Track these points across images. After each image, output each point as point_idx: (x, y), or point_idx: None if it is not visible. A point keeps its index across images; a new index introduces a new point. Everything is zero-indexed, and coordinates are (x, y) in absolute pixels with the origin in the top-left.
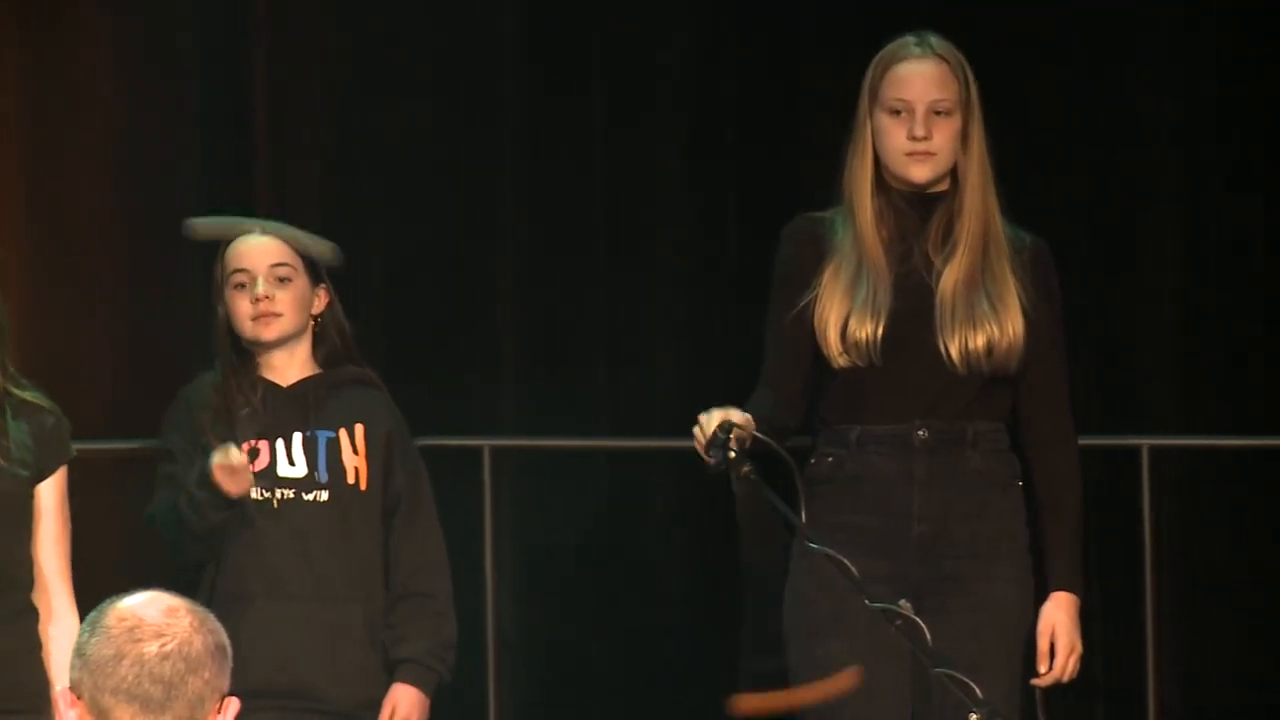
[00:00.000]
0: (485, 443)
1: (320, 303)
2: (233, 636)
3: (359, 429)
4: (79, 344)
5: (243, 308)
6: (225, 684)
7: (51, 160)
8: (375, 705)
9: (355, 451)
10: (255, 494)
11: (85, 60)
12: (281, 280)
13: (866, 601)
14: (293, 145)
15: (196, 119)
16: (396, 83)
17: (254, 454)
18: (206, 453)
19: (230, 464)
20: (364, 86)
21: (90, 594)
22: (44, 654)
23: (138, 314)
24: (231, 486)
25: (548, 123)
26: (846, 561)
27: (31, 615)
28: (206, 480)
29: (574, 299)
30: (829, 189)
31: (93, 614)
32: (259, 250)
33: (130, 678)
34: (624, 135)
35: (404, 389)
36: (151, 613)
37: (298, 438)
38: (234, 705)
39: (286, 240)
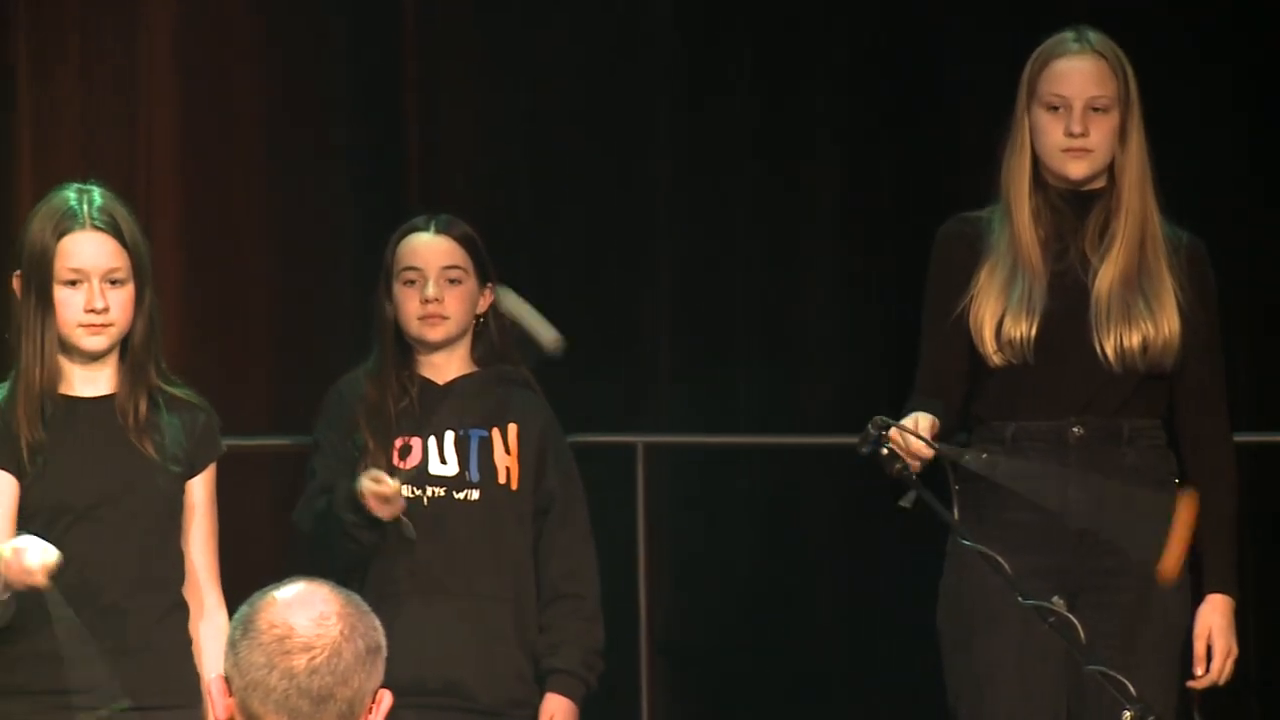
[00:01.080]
0: (639, 439)
1: (485, 302)
2: (386, 634)
3: (512, 429)
4: (235, 341)
5: (411, 305)
6: (378, 681)
7: (205, 156)
8: (522, 705)
9: (507, 451)
10: (406, 491)
11: (237, 52)
12: (452, 282)
13: (1020, 599)
14: (443, 143)
15: (348, 113)
16: (546, 79)
17: (406, 451)
18: (358, 447)
19: (382, 492)
20: (514, 80)
21: (246, 590)
22: (194, 650)
23: (293, 309)
24: (383, 512)
25: (702, 121)
26: (999, 558)
27: (183, 611)
28: (354, 502)
29: (729, 294)
30: (985, 187)
31: (245, 608)
32: (433, 250)
33: (279, 690)
34: (779, 131)
35: (557, 385)
36: (302, 620)
37: (450, 436)
38: (387, 699)
39: (512, 312)
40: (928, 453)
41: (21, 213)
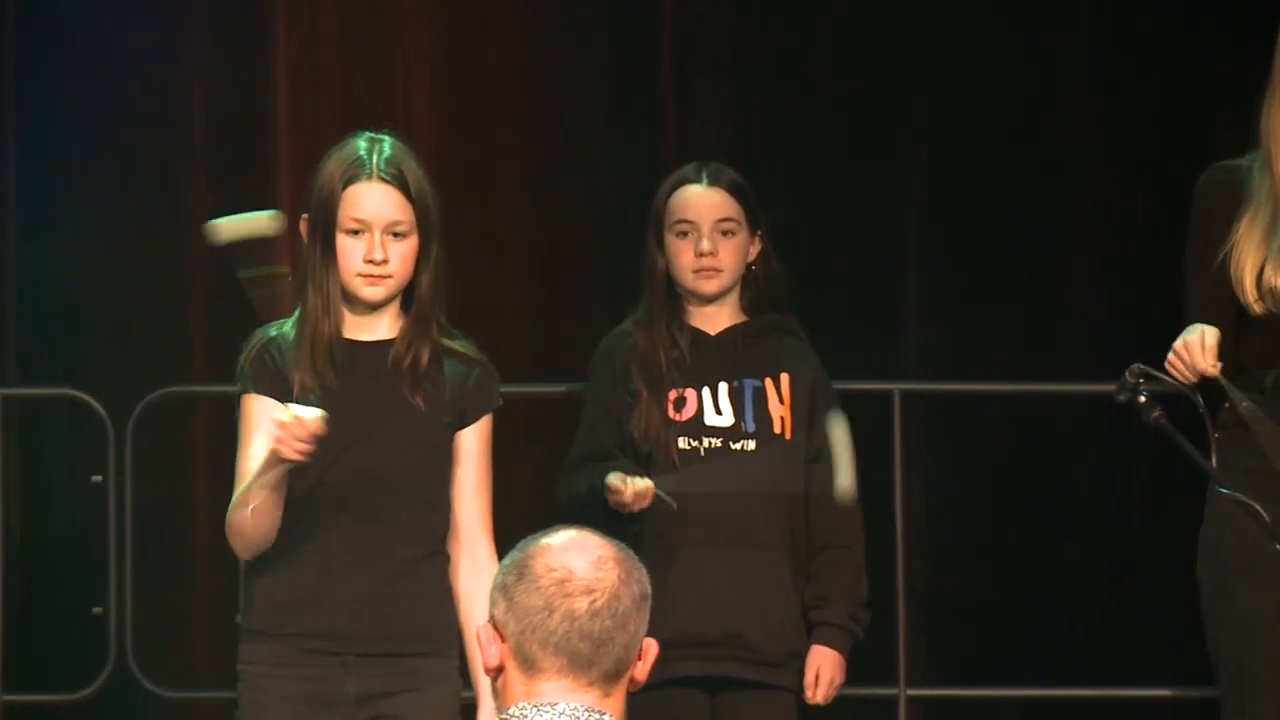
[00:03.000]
0: (895, 387)
1: (755, 250)
2: (661, 585)
3: (784, 378)
4: (499, 291)
5: (684, 258)
6: (645, 628)
7: (464, 119)
8: (799, 655)
9: (781, 400)
10: (683, 443)
11: (498, 21)
12: (725, 234)
13: (1278, 547)
14: (697, 100)
15: (606, 73)
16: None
17: (680, 403)
18: (632, 394)
19: (624, 499)
20: (768, 47)
21: (509, 539)
22: (458, 601)
23: (553, 260)
24: (633, 506)
25: (953, 87)
26: (1258, 507)
27: (443, 560)
28: (600, 495)
29: (981, 239)
30: (1244, 137)
31: (516, 554)
32: (706, 202)
33: (560, 632)
34: (1030, 81)
35: (813, 334)
36: (580, 564)
37: (724, 387)
38: (653, 649)
39: (836, 442)
40: (1212, 370)
41: (280, 156)
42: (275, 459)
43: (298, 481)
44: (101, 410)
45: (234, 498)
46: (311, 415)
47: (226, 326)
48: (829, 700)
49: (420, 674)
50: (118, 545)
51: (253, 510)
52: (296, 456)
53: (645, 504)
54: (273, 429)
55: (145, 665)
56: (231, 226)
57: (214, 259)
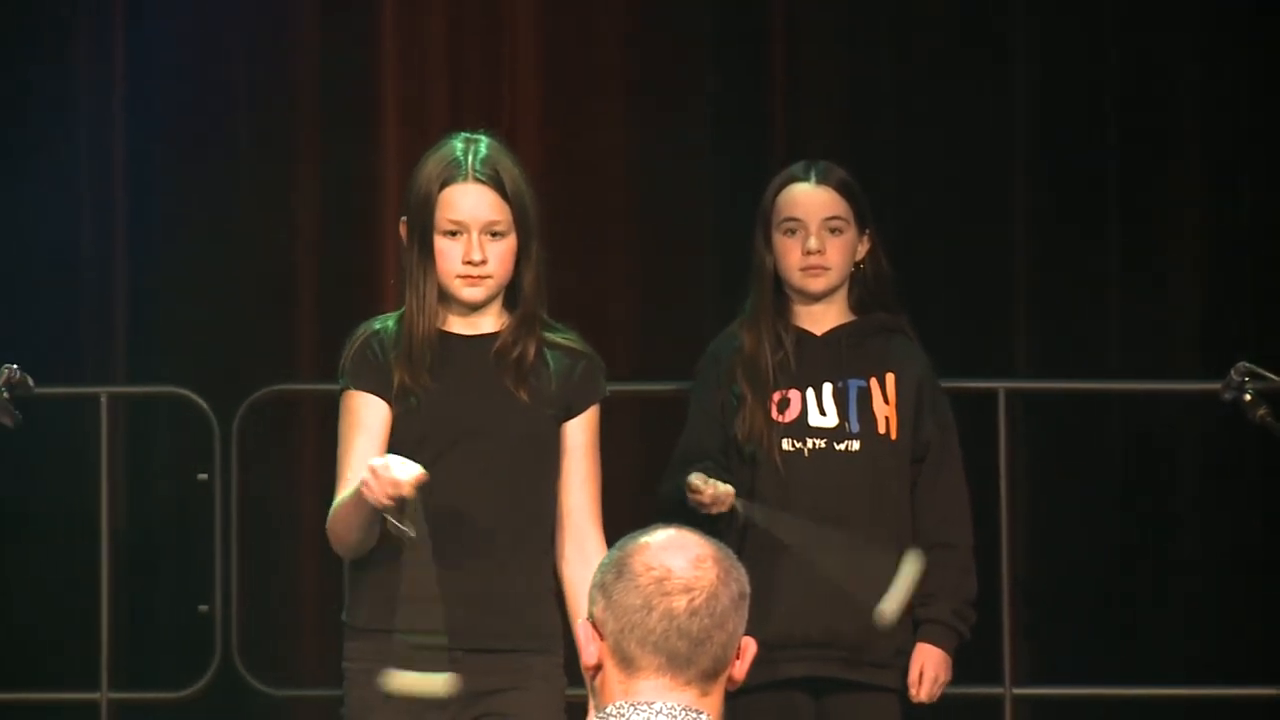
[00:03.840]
0: (1001, 385)
1: (863, 249)
2: (767, 587)
3: (890, 378)
4: (604, 290)
5: (792, 256)
6: (743, 627)
7: (570, 113)
8: (904, 654)
9: (886, 401)
10: (786, 444)
11: (603, 17)
12: (833, 232)
13: None
14: (808, 96)
15: (715, 69)
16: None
17: (784, 404)
18: (736, 396)
19: (717, 493)
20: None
21: (616, 537)
22: (567, 593)
23: (658, 260)
24: (711, 509)
25: (1060, 89)
26: None
27: (548, 555)
28: (680, 496)
29: (1087, 237)
30: None
31: (615, 552)
32: (814, 200)
33: (659, 631)
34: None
35: (920, 333)
36: (679, 562)
37: (828, 388)
38: (751, 648)
39: (907, 576)
40: None
41: (389, 157)
42: (361, 498)
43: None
44: (207, 408)
45: (335, 500)
46: (407, 475)
47: (331, 325)
48: (933, 699)
49: (527, 671)
50: (223, 543)
51: (346, 529)
52: (377, 505)
53: (724, 508)
54: (364, 472)
55: (251, 663)
56: (405, 684)
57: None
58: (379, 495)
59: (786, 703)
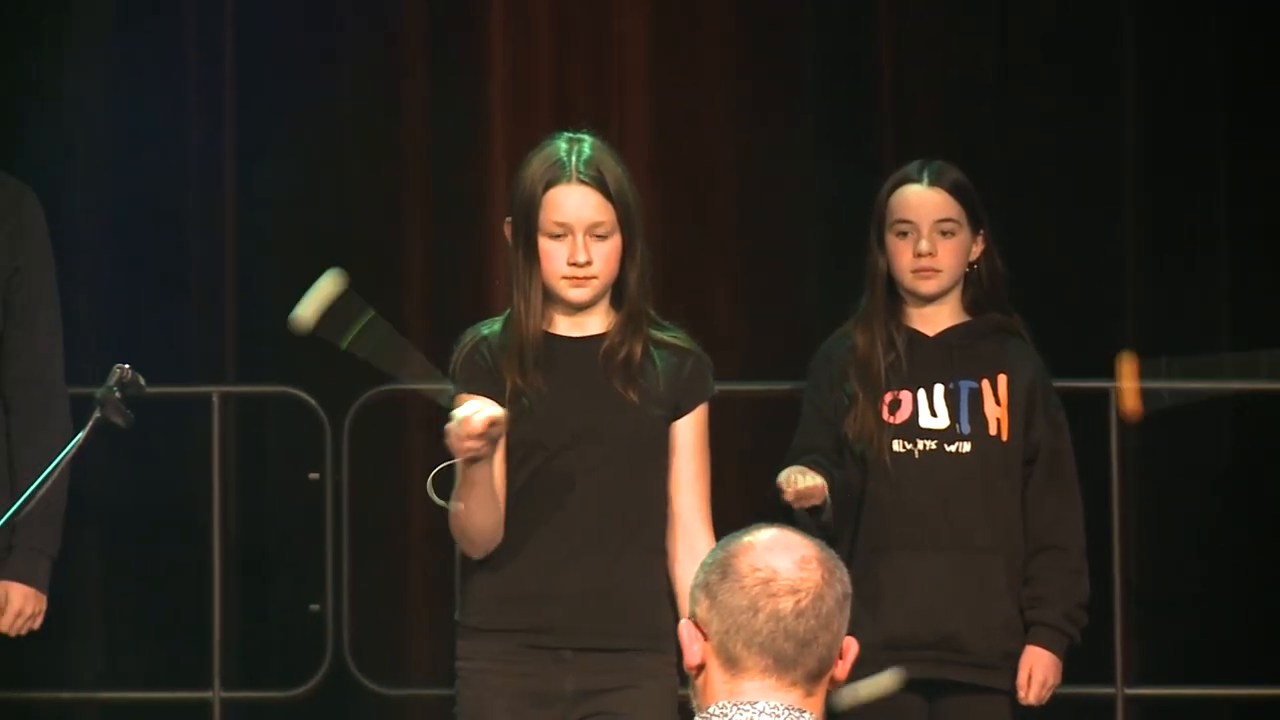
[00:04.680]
0: (1111, 385)
1: (977, 250)
2: (875, 588)
3: (1001, 379)
4: (711, 290)
5: (904, 258)
6: (846, 627)
7: (678, 120)
8: (1014, 656)
9: (997, 402)
10: (897, 446)
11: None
12: (945, 234)
13: None
14: (911, 100)
15: (824, 70)
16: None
17: (895, 405)
18: (849, 395)
19: (799, 490)
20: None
21: (725, 533)
22: (677, 591)
23: (767, 258)
24: (795, 505)
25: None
26: None
27: (661, 555)
28: (779, 494)
29: (1197, 237)
30: None
31: (719, 552)
32: (926, 202)
33: (765, 632)
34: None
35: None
36: (784, 563)
37: (939, 389)
38: (853, 648)
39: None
40: None
41: (497, 158)
42: (464, 477)
43: (515, 478)
44: (319, 408)
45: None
46: (476, 415)
47: (443, 326)
48: (1042, 701)
49: (638, 670)
50: (335, 542)
51: (464, 509)
52: (465, 454)
53: (807, 504)
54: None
55: (362, 663)
56: (310, 306)
57: (317, 339)
58: (457, 444)
59: (899, 705)
